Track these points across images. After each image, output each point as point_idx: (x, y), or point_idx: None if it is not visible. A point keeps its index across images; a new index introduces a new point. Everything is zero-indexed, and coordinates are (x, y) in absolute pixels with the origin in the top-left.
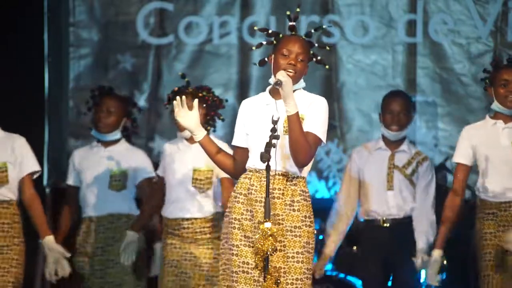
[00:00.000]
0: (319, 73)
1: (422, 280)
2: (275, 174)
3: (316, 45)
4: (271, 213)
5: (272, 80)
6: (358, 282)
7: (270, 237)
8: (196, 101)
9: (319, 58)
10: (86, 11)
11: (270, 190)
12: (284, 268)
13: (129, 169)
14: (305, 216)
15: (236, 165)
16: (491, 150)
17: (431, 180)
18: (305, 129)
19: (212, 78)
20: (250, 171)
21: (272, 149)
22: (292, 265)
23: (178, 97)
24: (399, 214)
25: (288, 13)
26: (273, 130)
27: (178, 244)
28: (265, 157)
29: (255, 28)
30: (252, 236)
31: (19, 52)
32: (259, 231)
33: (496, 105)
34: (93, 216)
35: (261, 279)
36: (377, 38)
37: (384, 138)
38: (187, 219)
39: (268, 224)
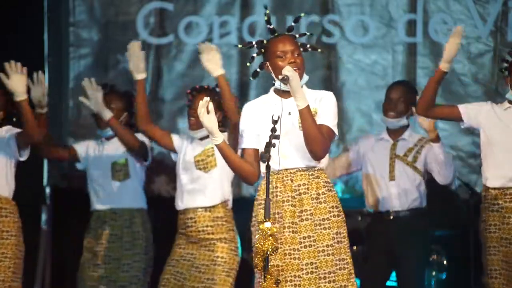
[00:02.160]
0: (319, 73)
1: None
2: (296, 171)
3: (297, 36)
4: (299, 210)
5: (277, 81)
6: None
7: (270, 237)
8: (211, 105)
9: (308, 46)
10: (86, 11)
11: (295, 187)
12: (315, 263)
13: (129, 156)
14: (332, 207)
15: (253, 167)
16: (498, 135)
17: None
18: (318, 122)
19: (212, 78)
20: (269, 174)
21: (287, 146)
22: (323, 258)
23: (206, 98)
24: (401, 205)
25: (266, 18)
26: (273, 130)
27: (184, 244)
28: (265, 157)
29: (239, 45)
30: (281, 237)
31: (19, 52)
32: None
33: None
34: (100, 211)
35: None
36: (377, 38)
37: (387, 128)
38: (194, 214)
39: (268, 224)
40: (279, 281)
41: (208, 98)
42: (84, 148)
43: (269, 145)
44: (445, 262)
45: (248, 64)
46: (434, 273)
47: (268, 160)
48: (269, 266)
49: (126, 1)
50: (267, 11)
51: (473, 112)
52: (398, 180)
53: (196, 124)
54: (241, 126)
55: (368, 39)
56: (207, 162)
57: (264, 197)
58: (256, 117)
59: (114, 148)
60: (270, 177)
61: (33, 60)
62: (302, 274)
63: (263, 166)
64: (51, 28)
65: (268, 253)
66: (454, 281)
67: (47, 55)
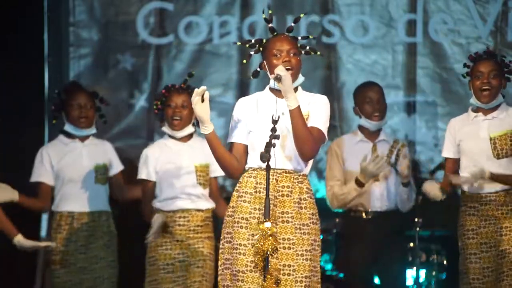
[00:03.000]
0: (319, 73)
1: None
2: (282, 172)
3: (299, 38)
4: (280, 211)
5: (272, 78)
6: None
7: (270, 237)
8: (207, 93)
9: (308, 48)
10: (86, 11)
11: (279, 188)
12: (293, 266)
13: (106, 163)
14: (312, 214)
15: (239, 162)
16: (471, 144)
17: (408, 164)
18: (309, 125)
19: (212, 78)
20: (254, 169)
21: (278, 147)
22: (302, 262)
23: (203, 87)
24: (380, 206)
25: (264, 16)
26: (273, 130)
27: (169, 244)
28: (265, 157)
29: (238, 43)
30: (259, 233)
31: (19, 52)
32: (259, 231)
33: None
34: (75, 212)
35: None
36: (377, 38)
37: (362, 129)
38: (183, 215)
39: (268, 224)
40: (279, 281)
41: (205, 87)
42: (53, 176)
43: (269, 145)
44: (445, 262)
45: (244, 61)
46: (434, 273)
47: (268, 160)
48: (269, 266)
49: (126, 1)
50: (269, 11)
51: (453, 146)
52: (381, 181)
53: (180, 125)
54: (233, 119)
55: (368, 39)
56: (207, 180)
57: (245, 191)
58: (250, 113)
59: (91, 150)
60: (255, 172)
61: (33, 60)
62: (279, 274)
63: (253, 162)
64: (51, 28)
65: (268, 253)
66: (454, 281)
67: (47, 55)
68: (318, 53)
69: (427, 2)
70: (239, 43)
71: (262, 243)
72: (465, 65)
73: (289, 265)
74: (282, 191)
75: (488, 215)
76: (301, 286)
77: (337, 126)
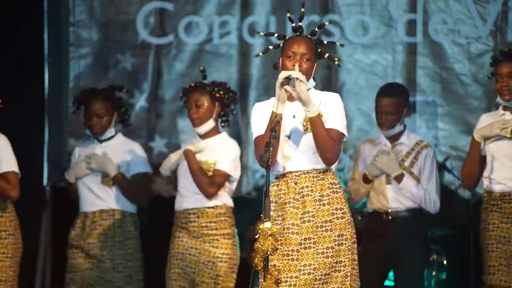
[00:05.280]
0: (319, 73)
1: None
2: (301, 173)
3: (325, 42)
4: (302, 212)
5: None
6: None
7: (270, 237)
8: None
9: (327, 55)
10: (86, 11)
11: (299, 190)
12: (314, 264)
13: (122, 164)
14: (336, 209)
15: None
16: (498, 142)
17: (431, 168)
18: (327, 127)
19: (212, 78)
20: (277, 177)
21: (292, 149)
22: (322, 261)
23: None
24: (399, 207)
25: (288, 15)
26: (273, 130)
27: (186, 238)
28: (265, 157)
29: (261, 33)
30: (281, 239)
31: (19, 52)
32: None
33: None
34: (87, 212)
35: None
36: (377, 38)
37: None
38: (194, 213)
39: (268, 224)
40: (279, 281)
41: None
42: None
43: (268, 145)
44: (445, 262)
45: (261, 53)
46: (434, 273)
47: (268, 160)
48: (269, 266)
49: (126, 1)
50: (302, 10)
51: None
52: (394, 184)
53: (199, 119)
54: (253, 121)
55: (368, 39)
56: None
57: (272, 199)
58: (265, 116)
59: (107, 151)
60: (278, 181)
61: (33, 60)
62: (300, 275)
63: (275, 170)
64: (51, 28)
65: (268, 253)
66: (454, 281)
67: (47, 55)
68: (337, 62)
69: (427, 2)
70: (262, 34)
71: (262, 243)
72: (491, 64)
73: (310, 265)
74: (302, 192)
75: (510, 213)
76: (320, 283)
77: None
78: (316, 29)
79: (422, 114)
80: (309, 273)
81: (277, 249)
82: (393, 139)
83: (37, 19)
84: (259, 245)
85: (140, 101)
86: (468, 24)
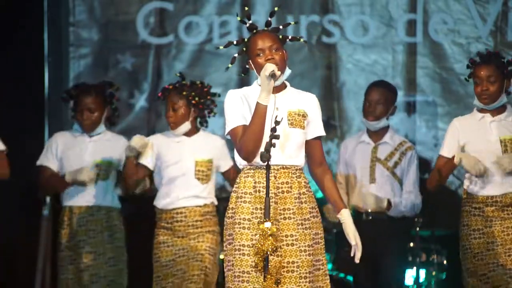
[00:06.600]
0: (319, 73)
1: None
2: (280, 168)
3: (281, 27)
4: (282, 208)
5: (259, 78)
6: (350, 279)
7: (270, 237)
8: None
9: (290, 37)
10: (86, 11)
11: (278, 185)
12: (297, 262)
13: (113, 159)
14: (312, 208)
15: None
16: (480, 146)
17: (416, 171)
18: (316, 135)
19: (212, 78)
20: (250, 168)
21: (277, 142)
22: (305, 258)
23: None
24: (380, 207)
25: (238, 18)
26: (273, 130)
27: (170, 241)
28: (265, 156)
29: (220, 47)
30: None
31: (19, 52)
32: (260, 231)
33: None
34: (73, 206)
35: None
36: (377, 38)
37: (367, 129)
38: (182, 212)
39: (268, 224)
40: (279, 281)
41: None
42: (57, 164)
43: (269, 145)
44: (445, 262)
45: (230, 65)
46: (434, 273)
47: (268, 160)
48: (269, 266)
49: (126, 1)
50: (246, 8)
51: (454, 146)
52: (377, 184)
53: (175, 123)
54: (228, 110)
55: (368, 39)
56: (207, 175)
57: (244, 191)
58: (245, 108)
59: (97, 146)
60: (253, 171)
61: (33, 60)
62: (283, 271)
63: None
64: (51, 28)
65: (268, 253)
66: (454, 281)
67: (47, 55)
68: (302, 40)
69: (427, 2)
70: (221, 47)
71: (262, 243)
72: (468, 67)
73: (293, 262)
74: (281, 187)
75: (494, 216)
76: (306, 281)
77: (337, 126)
78: (269, 18)
79: (422, 114)
80: (292, 271)
81: (277, 248)
82: (377, 137)
83: (37, 19)
84: (259, 245)
85: (140, 101)
86: (468, 24)
